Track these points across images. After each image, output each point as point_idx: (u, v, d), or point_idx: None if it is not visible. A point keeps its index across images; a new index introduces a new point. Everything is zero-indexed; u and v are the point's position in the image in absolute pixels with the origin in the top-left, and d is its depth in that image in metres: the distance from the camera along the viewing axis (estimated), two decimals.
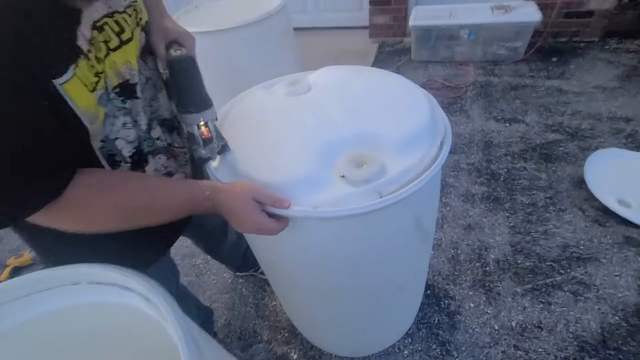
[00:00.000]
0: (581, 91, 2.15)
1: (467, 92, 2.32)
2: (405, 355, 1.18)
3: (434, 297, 1.32)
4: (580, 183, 1.61)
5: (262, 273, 1.47)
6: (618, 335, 1.14)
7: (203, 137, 0.69)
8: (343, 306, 0.91)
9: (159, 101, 0.70)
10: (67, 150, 0.48)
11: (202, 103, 0.69)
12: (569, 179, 1.66)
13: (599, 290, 1.25)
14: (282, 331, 1.31)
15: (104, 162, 0.56)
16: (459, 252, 1.45)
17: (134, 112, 0.60)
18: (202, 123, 0.69)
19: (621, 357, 1.09)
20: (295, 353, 1.24)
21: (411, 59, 2.75)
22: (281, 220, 0.62)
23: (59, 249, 0.62)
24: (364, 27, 3.11)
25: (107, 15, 0.53)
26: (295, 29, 3.37)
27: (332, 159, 0.68)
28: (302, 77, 0.94)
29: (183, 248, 1.66)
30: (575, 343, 1.14)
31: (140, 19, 0.61)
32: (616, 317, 1.18)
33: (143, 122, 0.63)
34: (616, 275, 1.28)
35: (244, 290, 1.48)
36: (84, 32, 0.49)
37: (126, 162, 0.60)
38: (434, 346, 1.19)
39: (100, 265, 0.52)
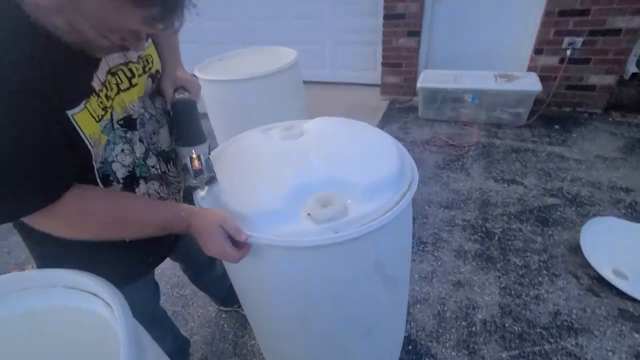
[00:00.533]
0: (582, 159, 2.19)
1: (470, 151, 2.40)
2: None
3: (415, 354, 1.28)
4: (576, 249, 1.59)
5: (240, 307, 1.47)
6: None
7: (194, 168, 0.78)
8: (310, 347, 0.91)
9: (160, 135, 0.81)
10: (67, 166, 0.58)
11: (197, 139, 0.79)
12: (565, 244, 1.64)
13: None
14: None
15: (98, 181, 0.65)
16: (445, 308, 1.42)
17: (132, 141, 0.70)
18: (194, 156, 0.78)
19: None
20: None
21: (418, 117, 2.90)
22: (242, 250, 0.67)
23: (57, 257, 0.69)
24: (377, 85, 3.34)
25: (122, 64, 0.65)
26: (314, 83, 3.66)
27: (304, 198, 0.74)
28: (297, 124, 1.04)
29: (174, 277, 1.70)
30: None
31: (150, 68, 0.73)
32: None
33: (139, 151, 0.72)
34: (609, 351, 1.22)
35: (225, 326, 1.47)
36: (99, 76, 0.60)
37: (119, 183, 0.69)
38: None
39: (76, 271, 0.59)
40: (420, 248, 1.71)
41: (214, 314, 1.53)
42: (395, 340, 1.11)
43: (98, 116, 0.61)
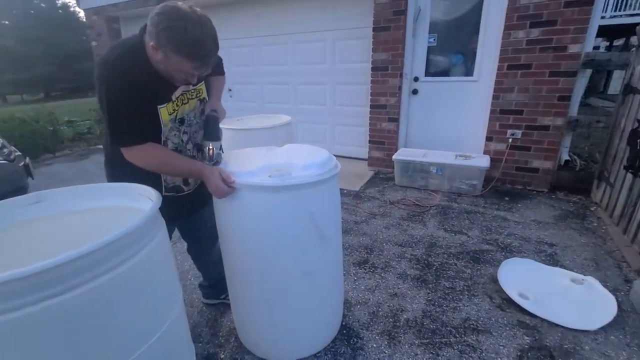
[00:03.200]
0: (520, 221, 2.62)
1: (430, 210, 2.88)
2: None
3: (347, 335, 1.59)
4: (496, 281, 1.93)
5: (225, 298, 1.84)
6: None
7: (209, 155, 1.33)
8: (267, 287, 1.32)
9: (198, 134, 1.39)
10: (150, 130, 1.16)
11: (215, 138, 1.36)
12: (489, 276, 1.99)
13: (483, 353, 1.48)
14: (220, 338, 1.62)
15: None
16: (379, 310, 1.76)
17: (180, 131, 1.29)
18: (211, 147, 1.34)
19: None
20: (223, 354, 1.53)
21: (395, 184, 3.46)
22: (230, 188, 1.19)
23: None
24: (365, 159, 4.01)
25: (185, 90, 1.27)
26: None
27: (269, 169, 1.27)
28: (276, 147, 1.62)
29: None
30: None
31: (199, 95, 1.35)
32: None
33: (183, 138, 1.30)
34: (501, 346, 1.51)
35: (204, 308, 1.83)
36: (176, 93, 1.22)
37: None
38: None
39: (142, 185, 1.10)
40: (371, 270, 2.09)
41: (197, 301, 1.89)
42: (333, 297, 1.47)
43: (169, 112, 1.21)
